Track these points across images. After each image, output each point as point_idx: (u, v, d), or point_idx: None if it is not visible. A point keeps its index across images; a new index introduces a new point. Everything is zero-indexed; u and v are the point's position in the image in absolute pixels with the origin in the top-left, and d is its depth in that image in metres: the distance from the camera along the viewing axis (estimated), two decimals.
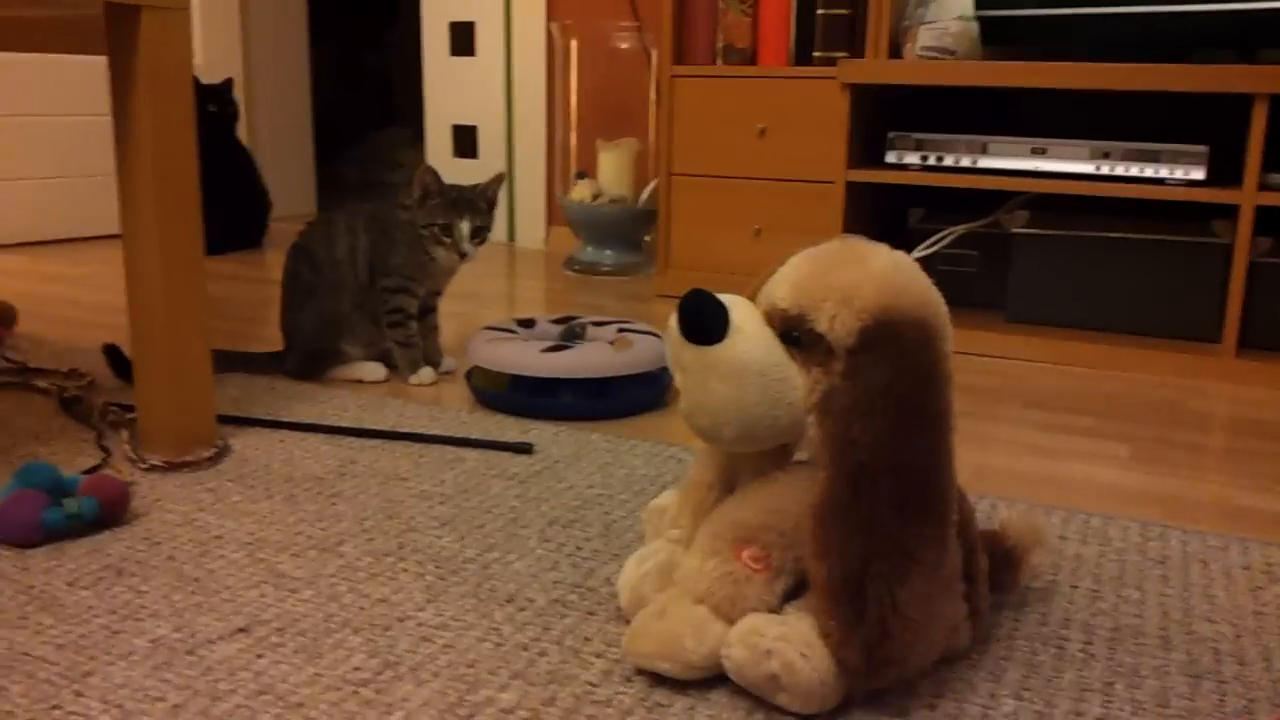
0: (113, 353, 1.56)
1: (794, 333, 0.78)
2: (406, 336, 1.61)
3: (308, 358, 1.61)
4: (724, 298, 0.80)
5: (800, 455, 0.85)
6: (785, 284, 0.80)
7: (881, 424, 0.74)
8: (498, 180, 1.60)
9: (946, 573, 0.78)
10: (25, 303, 2.13)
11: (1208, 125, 2.08)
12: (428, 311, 1.65)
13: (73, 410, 1.40)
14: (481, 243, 1.57)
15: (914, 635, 0.73)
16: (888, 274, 0.78)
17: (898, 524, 0.73)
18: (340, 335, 1.61)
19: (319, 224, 1.63)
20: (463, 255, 1.56)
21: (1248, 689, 0.82)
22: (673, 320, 0.80)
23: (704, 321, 0.78)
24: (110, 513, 1.05)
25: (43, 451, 1.27)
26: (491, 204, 1.59)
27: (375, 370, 1.63)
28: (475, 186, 1.57)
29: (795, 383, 0.78)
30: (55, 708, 0.75)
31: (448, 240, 1.55)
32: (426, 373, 1.61)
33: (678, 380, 0.82)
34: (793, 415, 0.79)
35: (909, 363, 0.75)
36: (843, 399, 0.75)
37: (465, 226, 1.54)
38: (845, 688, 0.76)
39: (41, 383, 1.51)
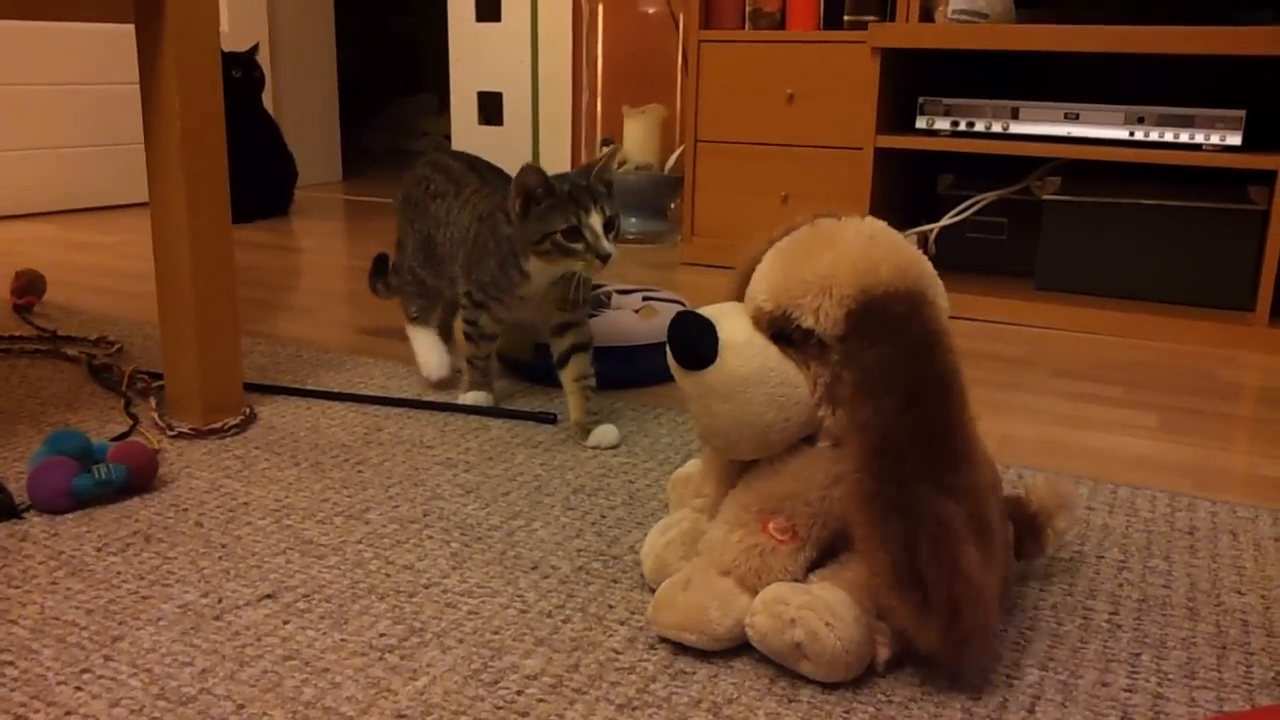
0: (380, 262, 1.64)
1: (786, 331, 0.79)
2: (474, 355, 1.34)
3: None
4: (710, 311, 0.80)
5: (822, 444, 0.84)
6: (763, 284, 0.80)
7: (886, 404, 0.73)
8: (611, 155, 1.24)
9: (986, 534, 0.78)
10: (54, 271, 2.15)
11: (1245, 89, 2.04)
12: (572, 354, 1.28)
13: (101, 377, 1.41)
14: (616, 236, 1.21)
15: (985, 604, 0.72)
16: (860, 252, 0.77)
17: (931, 496, 0.72)
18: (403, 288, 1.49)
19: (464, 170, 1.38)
20: (604, 258, 1.19)
21: (1275, 660, 0.81)
22: (669, 351, 0.81)
23: (693, 347, 0.78)
24: (139, 479, 1.06)
25: (72, 419, 1.28)
26: (610, 186, 1.23)
27: (434, 366, 1.42)
28: (587, 169, 1.23)
29: (797, 383, 0.79)
30: (85, 671, 0.76)
31: (578, 246, 1.18)
32: (481, 395, 1.33)
33: (688, 405, 0.82)
34: (803, 414, 0.79)
35: (900, 337, 0.75)
36: (844, 388, 0.76)
37: (596, 221, 1.18)
38: (868, 657, 0.76)
39: (71, 350, 1.53)
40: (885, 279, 0.76)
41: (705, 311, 0.80)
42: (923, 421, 0.74)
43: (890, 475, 0.73)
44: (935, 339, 0.76)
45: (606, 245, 1.19)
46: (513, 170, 1.24)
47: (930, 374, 0.75)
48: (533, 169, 1.18)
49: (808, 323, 0.77)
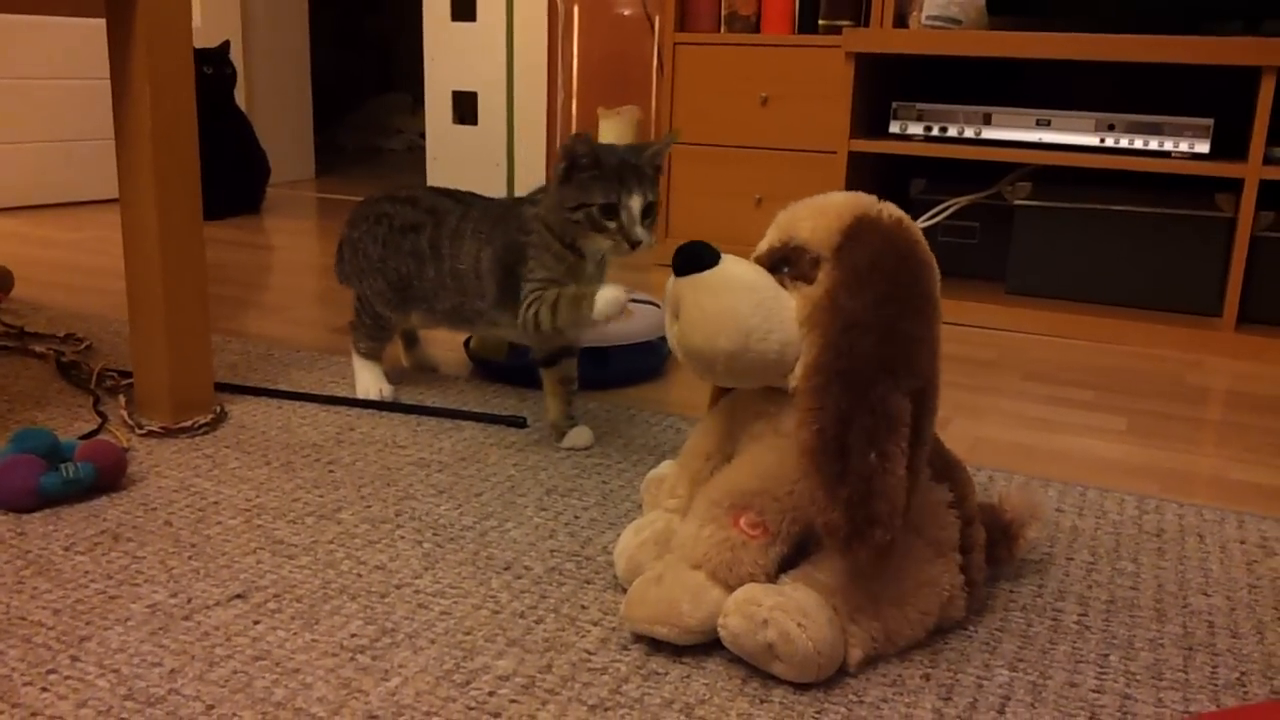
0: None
1: (783, 264, 0.82)
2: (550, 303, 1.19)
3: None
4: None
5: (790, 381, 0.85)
6: (769, 230, 0.87)
7: (869, 295, 0.77)
8: (668, 143, 1.18)
9: (926, 471, 0.81)
10: (22, 267, 2.12)
11: (1213, 98, 2.07)
12: (560, 356, 1.26)
13: (70, 375, 1.40)
14: (653, 224, 1.15)
15: (899, 496, 0.74)
16: (855, 195, 0.84)
17: (882, 384, 0.75)
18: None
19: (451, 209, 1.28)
20: (634, 244, 1.13)
21: (1240, 661, 0.82)
22: (670, 278, 0.84)
23: (696, 254, 0.83)
24: (107, 478, 1.05)
25: (40, 416, 1.26)
26: (659, 172, 1.17)
27: (366, 388, 1.37)
28: (640, 150, 1.15)
29: (787, 303, 0.81)
30: (52, 672, 0.75)
31: (610, 224, 1.12)
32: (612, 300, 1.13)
33: (672, 331, 0.84)
34: (786, 332, 0.80)
35: (891, 246, 0.79)
36: (829, 279, 0.79)
37: (636, 204, 1.12)
38: (840, 658, 0.77)
39: (38, 347, 1.51)
40: (879, 207, 0.82)
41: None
42: (896, 319, 0.77)
43: (847, 351, 0.76)
44: (923, 259, 0.80)
45: (640, 232, 1.13)
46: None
47: (914, 283, 0.79)
48: (582, 137, 1.12)
49: (803, 235, 0.81)
